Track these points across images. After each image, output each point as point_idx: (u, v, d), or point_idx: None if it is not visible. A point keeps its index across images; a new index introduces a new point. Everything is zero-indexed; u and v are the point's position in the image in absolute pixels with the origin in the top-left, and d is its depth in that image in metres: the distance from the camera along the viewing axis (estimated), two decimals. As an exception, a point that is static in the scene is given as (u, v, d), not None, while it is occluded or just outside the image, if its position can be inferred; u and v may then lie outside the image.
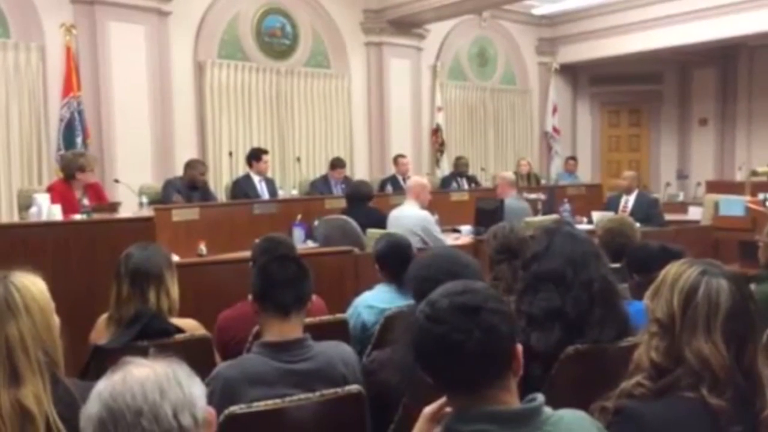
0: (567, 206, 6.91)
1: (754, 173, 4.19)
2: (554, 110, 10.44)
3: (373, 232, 4.91)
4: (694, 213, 7.12)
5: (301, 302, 1.80)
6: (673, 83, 10.72)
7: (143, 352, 1.09)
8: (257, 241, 2.62)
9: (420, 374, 1.27)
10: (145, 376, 0.99)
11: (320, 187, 6.94)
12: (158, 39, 6.67)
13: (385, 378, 1.86)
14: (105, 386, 1.00)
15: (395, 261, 2.79)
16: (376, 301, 2.70)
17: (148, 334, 2.12)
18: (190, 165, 5.85)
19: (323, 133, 8.02)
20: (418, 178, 5.21)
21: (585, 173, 10.46)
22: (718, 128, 10.23)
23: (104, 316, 2.32)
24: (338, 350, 1.87)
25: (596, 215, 6.60)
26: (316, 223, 5.58)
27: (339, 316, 2.57)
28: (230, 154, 6.86)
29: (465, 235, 5.46)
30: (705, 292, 1.33)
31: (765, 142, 9.71)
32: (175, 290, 2.33)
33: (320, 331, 2.43)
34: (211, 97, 7.13)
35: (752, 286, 2.72)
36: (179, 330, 2.21)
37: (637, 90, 10.82)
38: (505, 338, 1.21)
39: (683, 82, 10.64)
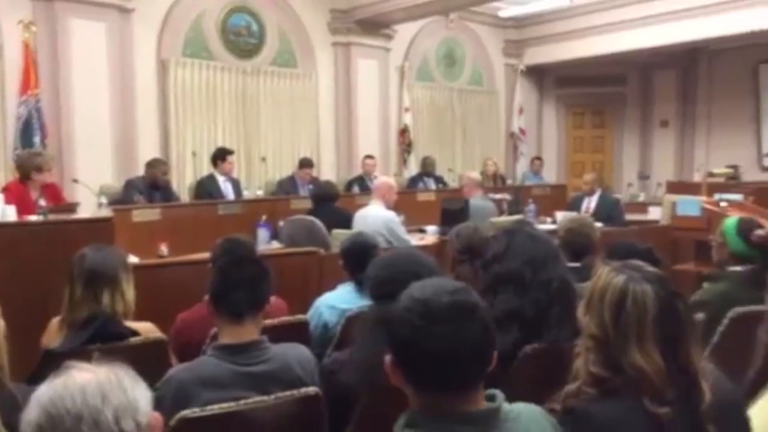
0: (532, 206, 6.98)
1: (711, 174, 4.28)
2: (520, 111, 10.54)
3: (339, 233, 4.90)
4: (654, 213, 7.25)
5: (256, 305, 1.77)
6: (636, 85, 10.90)
7: (94, 356, 1.06)
8: (218, 241, 2.58)
9: (379, 374, 1.25)
10: (86, 381, 0.97)
11: (287, 187, 6.90)
12: (120, 36, 6.55)
13: (344, 378, 1.85)
14: (45, 391, 0.98)
15: (359, 259, 2.77)
16: (338, 301, 2.69)
17: (102, 338, 2.07)
18: (151, 164, 5.76)
19: (290, 133, 7.96)
20: (384, 179, 5.21)
21: (550, 173, 10.57)
22: (679, 130, 10.45)
23: (56, 319, 2.27)
24: (295, 352, 1.85)
25: (560, 215, 6.68)
26: (281, 223, 5.54)
27: (299, 317, 2.55)
28: (194, 154, 6.77)
29: (430, 235, 5.47)
30: (632, 301, 1.35)
31: (723, 143, 9.93)
32: (130, 292, 2.28)
33: (280, 333, 2.40)
34: (175, 95, 7.02)
35: (705, 285, 2.79)
36: (134, 333, 2.16)
37: (601, 92, 10.99)
38: (494, 335, 1.22)
39: (645, 84, 10.83)
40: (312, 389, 1.68)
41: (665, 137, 10.55)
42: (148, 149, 6.57)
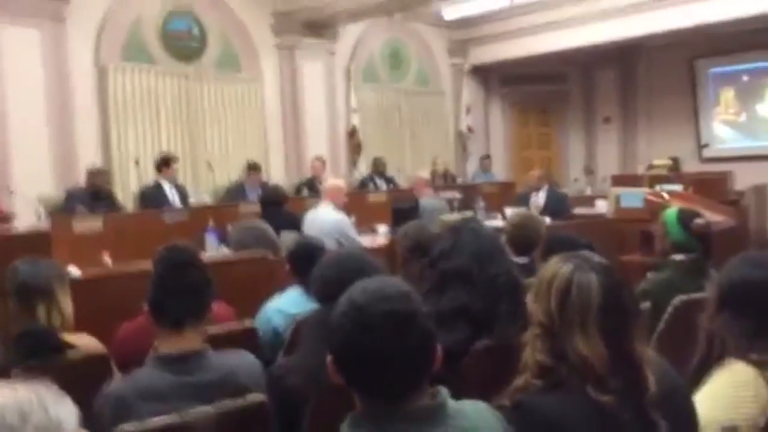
0: (481, 203, 7.04)
1: (652, 166, 4.39)
2: (467, 111, 10.63)
3: (289, 237, 4.84)
4: (601, 206, 7.40)
5: (197, 313, 1.71)
6: (578, 83, 11.14)
7: (30, 372, 1.00)
8: (159, 249, 2.48)
9: (325, 376, 1.23)
10: (4, 401, 0.91)
11: (235, 192, 6.79)
12: (55, 43, 6.33)
13: (291, 383, 1.81)
14: (-39, 412, 0.91)
15: (306, 262, 2.72)
16: (286, 305, 2.64)
17: (37, 353, 1.97)
18: (92, 174, 5.59)
19: (237, 137, 7.83)
20: (333, 181, 5.18)
21: (499, 171, 10.70)
22: (621, 125, 10.71)
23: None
24: (240, 360, 1.79)
25: (508, 211, 6.76)
26: (229, 228, 5.43)
27: (246, 323, 2.48)
28: (137, 162, 6.58)
29: (382, 235, 5.45)
30: (577, 290, 1.36)
31: (664, 137, 10.23)
32: (68, 305, 2.19)
33: (226, 341, 2.35)
34: (115, 102, 6.82)
35: (649, 274, 2.84)
36: (73, 347, 2.07)
37: (545, 90, 11.18)
38: (435, 341, 1.19)
39: (587, 82, 11.07)
40: (257, 397, 1.64)
41: (609, 133, 10.81)
42: (88, 157, 6.35)
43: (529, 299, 1.48)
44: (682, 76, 10.09)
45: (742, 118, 9.78)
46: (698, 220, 2.72)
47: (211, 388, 1.61)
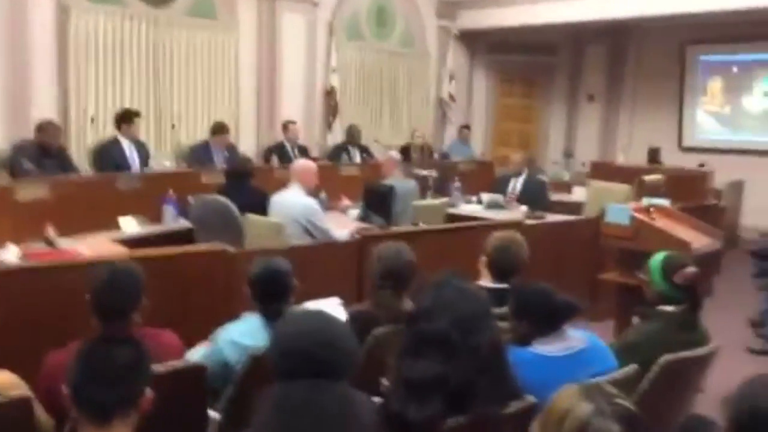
0: (458, 184, 6.82)
1: (643, 182, 4.20)
2: (451, 77, 10.27)
3: (253, 218, 4.57)
4: (578, 194, 7.27)
5: (128, 401, 1.45)
6: (567, 57, 10.81)
7: None
8: (100, 272, 2.17)
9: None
10: None
11: (200, 154, 6.41)
12: (9, -25, 5.77)
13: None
14: None
15: (270, 289, 2.47)
16: (242, 336, 2.38)
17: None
18: (41, 128, 5.17)
19: (206, 93, 7.38)
20: (303, 161, 4.86)
21: (477, 142, 10.46)
22: (604, 105, 10.48)
23: None
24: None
25: (485, 197, 6.58)
26: (191, 199, 5.12)
27: (193, 363, 2.21)
28: (92, 120, 6.11)
29: (352, 220, 5.17)
30: None
31: (646, 122, 10.06)
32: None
33: (171, 381, 2.11)
34: (77, 47, 6.29)
35: (635, 320, 2.66)
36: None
37: (532, 60, 10.85)
38: None
39: (576, 56, 10.75)
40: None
41: (591, 112, 10.57)
42: (43, 108, 5.85)
43: (535, 427, 1.28)
44: (671, 61, 9.85)
45: (726, 110, 9.62)
46: (685, 270, 2.53)
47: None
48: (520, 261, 2.95)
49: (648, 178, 4.38)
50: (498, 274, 2.93)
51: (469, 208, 6.45)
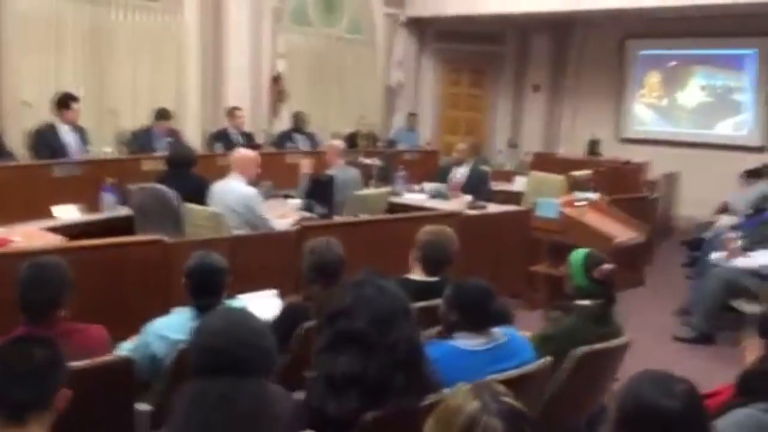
0: (402, 173, 6.90)
1: (572, 176, 4.35)
2: (399, 64, 10.31)
3: (192, 208, 4.55)
4: (520, 183, 7.44)
5: (43, 400, 1.47)
6: (514, 46, 10.97)
7: None
8: (23, 269, 2.15)
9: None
10: None
11: (142, 140, 6.30)
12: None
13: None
14: None
15: (205, 283, 2.51)
16: (171, 330, 2.41)
17: None
18: None
19: (149, 78, 7.23)
20: (244, 151, 4.84)
21: (425, 129, 10.55)
22: (549, 96, 10.71)
23: None
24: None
25: (428, 186, 6.68)
26: (131, 187, 5.06)
27: (120, 356, 2.24)
28: (28, 104, 5.93)
29: (293, 209, 5.19)
30: None
31: (587, 113, 10.34)
32: None
33: (99, 374, 2.13)
34: (11, 26, 6.08)
35: (552, 313, 2.79)
36: None
37: (480, 50, 10.99)
38: None
39: (523, 46, 10.92)
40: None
41: (536, 102, 10.79)
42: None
43: (428, 427, 1.36)
44: (612, 54, 10.14)
45: (664, 102, 9.97)
46: (604, 266, 2.67)
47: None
48: (450, 255, 3.05)
49: (577, 173, 4.54)
50: (428, 267, 3.03)
51: (413, 197, 6.53)
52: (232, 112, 7.17)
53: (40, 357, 1.48)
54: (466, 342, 2.34)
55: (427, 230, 3.07)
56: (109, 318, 2.66)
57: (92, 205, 4.96)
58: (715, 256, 4.83)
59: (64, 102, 5.67)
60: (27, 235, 3.97)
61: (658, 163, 8.50)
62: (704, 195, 7.92)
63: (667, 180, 8.23)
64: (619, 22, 9.63)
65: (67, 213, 4.79)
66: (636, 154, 8.83)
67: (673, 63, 9.78)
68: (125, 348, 2.46)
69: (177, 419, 1.67)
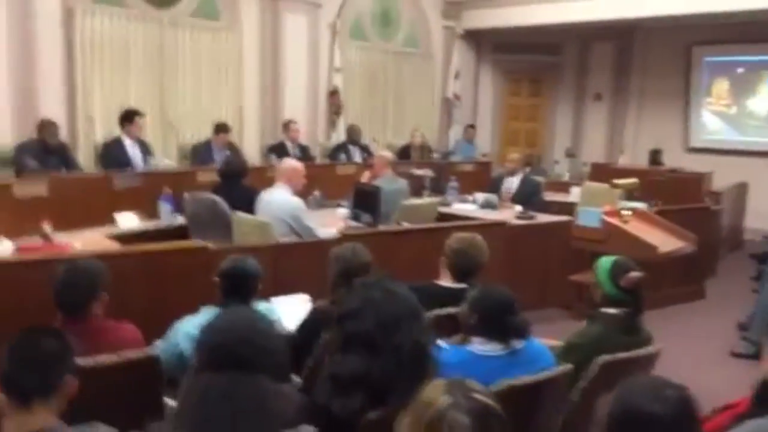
0: (454, 183, 6.91)
1: (615, 185, 4.25)
2: (456, 76, 10.34)
3: (241, 218, 4.71)
4: (575, 194, 7.28)
5: (48, 387, 1.58)
6: (573, 56, 10.79)
7: None
8: (61, 268, 2.32)
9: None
10: None
11: (201, 153, 6.59)
12: (19, -21, 5.98)
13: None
14: None
15: (236, 286, 2.62)
16: (197, 328, 2.50)
17: None
18: (41, 126, 5.42)
19: (210, 93, 7.54)
20: (290, 161, 4.98)
21: (484, 141, 10.52)
22: (611, 105, 10.47)
23: None
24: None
25: (479, 196, 6.65)
26: (185, 196, 5.28)
27: (147, 353, 2.35)
28: (90, 118, 6.29)
29: (341, 218, 5.28)
30: (446, 430, 1.26)
31: (652, 121, 10.05)
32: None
33: (125, 371, 2.25)
34: (83, 47, 6.49)
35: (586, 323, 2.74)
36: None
37: (538, 60, 10.88)
38: None
39: (582, 55, 10.73)
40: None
41: (598, 111, 10.57)
42: (51, 108, 6.06)
43: (401, 420, 1.38)
44: (677, 61, 9.82)
45: (733, 110, 9.57)
46: (631, 274, 2.60)
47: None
48: (479, 262, 3.04)
49: (620, 181, 4.43)
50: (457, 274, 3.04)
51: (464, 207, 6.51)
52: (287, 125, 7.38)
53: (46, 346, 1.60)
54: (482, 348, 2.34)
55: (457, 237, 3.08)
56: (152, 319, 2.82)
57: (151, 214, 5.20)
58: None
59: (129, 117, 6.01)
60: (87, 242, 4.21)
61: (727, 173, 8.15)
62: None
63: (735, 191, 7.89)
64: (683, 28, 9.33)
65: (128, 220, 5.05)
66: (704, 164, 8.49)
67: (741, 69, 9.39)
68: (158, 346, 2.58)
69: (181, 413, 1.76)
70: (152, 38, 7.04)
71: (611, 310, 2.62)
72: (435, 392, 1.34)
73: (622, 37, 10.22)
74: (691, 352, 4.47)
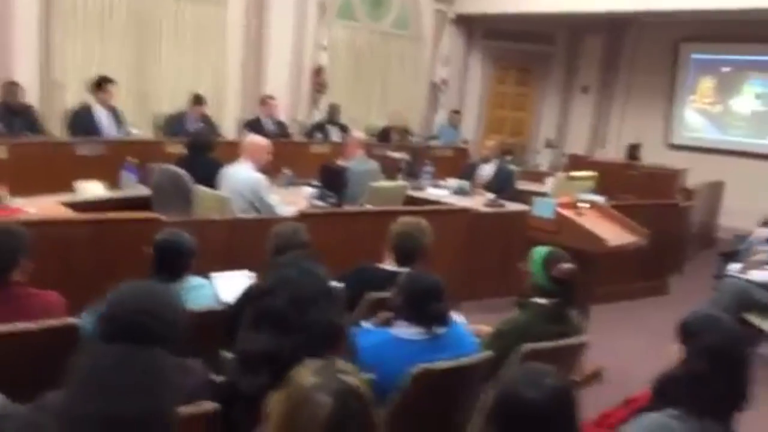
0: (429, 168, 6.89)
1: (572, 177, 4.25)
2: (445, 61, 10.27)
3: (202, 190, 4.70)
4: (549, 184, 7.28)
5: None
6: (564, 46, 10.74)
7: None
8: None
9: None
10: None
11: (175, 123, 6.53)
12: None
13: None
14: None
15: (169, 261, 2.62)
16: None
17: None
18: (4, 88, 5.38)
19: (191, 65, 7.48)
20: (254, 137, 4.96)
21: (469, 128, 10.48)
22: (598, 98, 10.43)
23: None
24: None
25: (451, 182, 6.65)
26: (151, 167, 5.26)
27: (67, 322, 2.34)
28: (63, 85, 6.24)
29: (305, 197, 5.26)
30: (307, 409, 1.27)
31: (636, 116, 10.01)
32: None
33: (41, 338, 2.24)
34: (60, 14, 6.40)
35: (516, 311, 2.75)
36: None
37: (529, 49, 10.81)
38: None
39: (573, 46, 10.67)
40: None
41: (584, 104, 10.54)
42: (25, 72, 6.01)
43: (274, 399, 1.39)
44: (665, 58, 9.78)
45: (717, 109, 9.55)
46: (563, 266, 2.61)
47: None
48: (421, 247, 3.04)
49: (576, 173, 4.43)
50: (399, 258, 3.04)
51: (436, 192, 6.51)
52: (264, 101, 7.33)
53: None
54: (404, 330, 2.35)
55: (401, 221, 3.08)
56: (98, 288, 2.80)
57: (114, 184, 5.17)
58: (732, 267, 4.64)
59: (100, 84, 5.94)
60: (43, 208, 4.19)
61: (705, 172, 8.16)
62: (751, 206, 7.56)
63: (709, 189, 7.90)
64: (674, 24, 9.28)
65: (92, 189, 5.02)
66: (684, 161, 8.50)
67: (727, 69, 9.36)
68: (85, 317, 2.57)
69: (73, 381, 1.75)
70: (135, 5, 6.95)
71: (540, 300, 2.63)
72: (304, 373, 1.34)
73: (614, 31, 10.16)
74: (638, 346, 4.51)
